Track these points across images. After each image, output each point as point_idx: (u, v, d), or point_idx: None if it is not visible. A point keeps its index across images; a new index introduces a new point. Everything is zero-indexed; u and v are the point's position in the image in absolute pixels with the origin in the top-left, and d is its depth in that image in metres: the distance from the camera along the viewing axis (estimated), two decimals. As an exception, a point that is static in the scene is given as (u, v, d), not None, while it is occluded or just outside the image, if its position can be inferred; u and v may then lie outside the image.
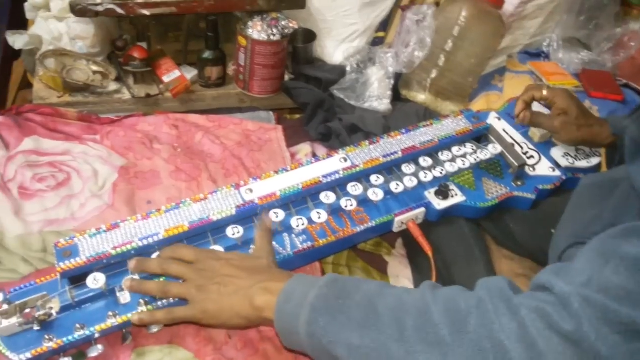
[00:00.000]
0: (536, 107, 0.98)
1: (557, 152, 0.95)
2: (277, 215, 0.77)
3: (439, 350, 0.51)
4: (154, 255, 0.71)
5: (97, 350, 0.65)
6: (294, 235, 0.78)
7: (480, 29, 1.18)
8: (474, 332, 0.51)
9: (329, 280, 0.61)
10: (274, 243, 0.76)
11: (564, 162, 0.94)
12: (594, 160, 0.95)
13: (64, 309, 0.66)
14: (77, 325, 0.64)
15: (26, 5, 1.18)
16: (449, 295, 0.56)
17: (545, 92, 0.92)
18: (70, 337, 0.63)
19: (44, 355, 0.63)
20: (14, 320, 0.62)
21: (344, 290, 0.59)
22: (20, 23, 1.23)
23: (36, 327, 0.64)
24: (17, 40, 1.16)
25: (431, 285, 0.59)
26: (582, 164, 0.94)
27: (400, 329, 0.54)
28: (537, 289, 0.54)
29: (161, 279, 0.69)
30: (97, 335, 0.65)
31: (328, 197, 0.80)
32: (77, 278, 0.68)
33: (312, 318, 0.57)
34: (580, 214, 0.75)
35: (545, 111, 0.97)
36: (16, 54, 1.22)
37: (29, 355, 0.62)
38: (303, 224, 0.78)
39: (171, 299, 0.67)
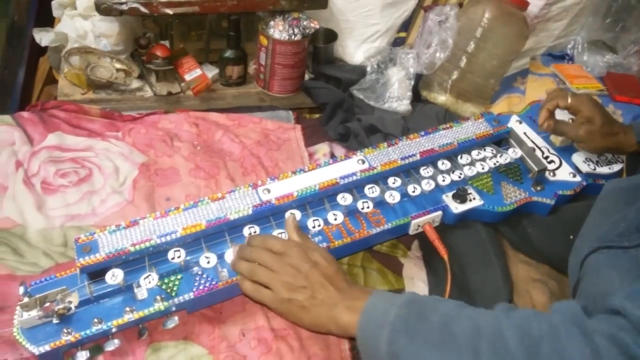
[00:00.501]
0: (559, 114, 0.96)
1: (578, 158, 0.94)
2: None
3: None
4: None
5: (113, 344, 0.66)
6: (309, 236, 0.78)
7: (504, 31, 1.17)
8: (547, 357, 0.52)
9: (408, 300, 0.62)
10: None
11: (585, 168, 0.92)
12: (616, 167, 0.93)
13: (82, 304, 0.67)
14: (95, 320, 0.65)
15: (53, 3, 1.21)
16: (522, 319, 0.57)
17: (569, 100, 0.90)
18: (87, 331, 0.65)
19: (62, 348, 0.64)
20: (34, 313, 0.64)
21: (422, 311, 0.60)
22: (47, 20, 1.26)
23: (55, 321, 0.65)
24: (43, 37, 1.18)
25: (506, 308, 0.60)
26: (604, 170, 0.92)
27: (475, 353, 0.55)
28: (611, 312, 0.54)
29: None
30: (114, 330, 0.66)
31: (345, 199, 0.80)
32: (96, 273, 0.69)
33: (393, 338, 0.58)
34: (604, 218, 0.74)
35: (567, 117, 0.96)
36: (42, 50, 1.25)
37: (47, 347, 0.63)
38: (319, 225, 0.78)
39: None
